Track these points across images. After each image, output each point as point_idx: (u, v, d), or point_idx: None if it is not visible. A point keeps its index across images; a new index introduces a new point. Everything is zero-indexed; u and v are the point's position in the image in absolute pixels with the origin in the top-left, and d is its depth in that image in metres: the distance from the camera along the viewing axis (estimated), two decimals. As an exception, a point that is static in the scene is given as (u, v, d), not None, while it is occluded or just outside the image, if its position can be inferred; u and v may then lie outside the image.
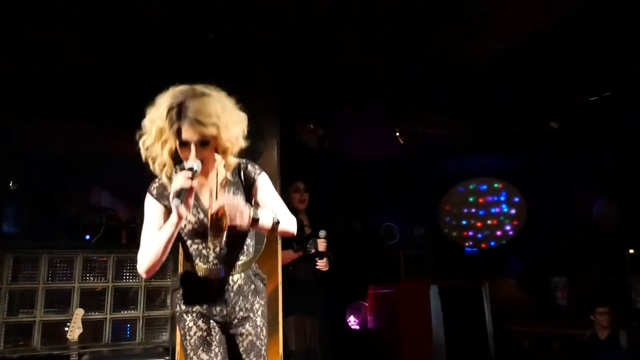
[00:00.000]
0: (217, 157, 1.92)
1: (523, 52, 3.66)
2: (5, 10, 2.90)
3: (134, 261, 4.23)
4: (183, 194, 1.66)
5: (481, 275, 5.30)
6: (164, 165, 1.80)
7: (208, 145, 1.78)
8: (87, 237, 4.33)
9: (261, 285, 2.07)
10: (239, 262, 1.97)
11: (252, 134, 3.42)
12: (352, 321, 5.63)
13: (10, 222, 4.60)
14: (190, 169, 1.70)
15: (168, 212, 1.81)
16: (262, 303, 2.05)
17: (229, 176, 1.95)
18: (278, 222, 1.87)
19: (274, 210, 1.90)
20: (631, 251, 5.37)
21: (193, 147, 1.74)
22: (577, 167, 5.51)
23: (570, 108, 4.48)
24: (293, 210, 3.84)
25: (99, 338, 3.68)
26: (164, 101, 1.76)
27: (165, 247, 1.79)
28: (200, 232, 1.91)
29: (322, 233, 3.70)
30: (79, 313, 3.09)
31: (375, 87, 4.24)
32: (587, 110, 4.42)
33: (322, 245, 3.67)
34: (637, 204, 5.18)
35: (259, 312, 2.02)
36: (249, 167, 2.00)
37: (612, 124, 4.76)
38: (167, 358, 3.53)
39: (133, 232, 4.35)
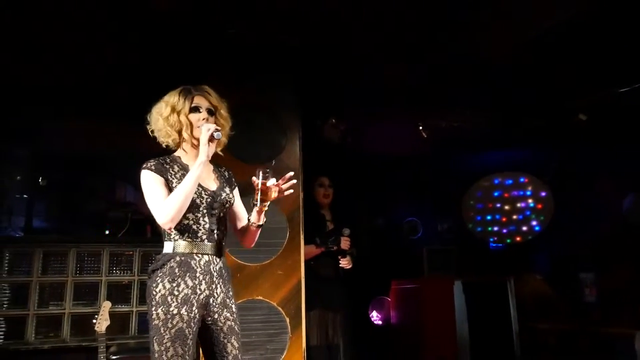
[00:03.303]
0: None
1: (549, 43, 3.56)
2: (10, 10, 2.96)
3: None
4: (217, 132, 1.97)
5: (506, 271, 5.21)
6: (182, 127, 2.04)
7: (213, 115, 2.09)
8: (113, 231, 4.42)
9: (229, 275, 2.14)
10: (222, 245, 2.08)
11: (274, 129, 3.47)
12: (375, 316, 5.61)
13: (40, 218, 4.72)
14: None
15: (167, 183, 2.00)
16: (233, 292, 2.11)
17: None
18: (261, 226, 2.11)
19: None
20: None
21: (204, 112, 2.06)
22: (606, 160, 5.36)
23: (598, 100, 4.35)
24: (317, 204, 3.86)
25: (126, 330, 3.76)
26: (172, 92, 2.10)
27: (193, 189, 1.95)
28: (195, 205, 1.99)
29: (346, 231, 3.66)
30: (106, 306, 3.15)
31: (398, 81, 4.19)
32: (616, 103, 4.29)
33: (345, 243, 3.64)
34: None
35: (233, 300, 2.08)
36: (230, 172, 2.26)
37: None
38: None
39: (158, 226, 4.40)
